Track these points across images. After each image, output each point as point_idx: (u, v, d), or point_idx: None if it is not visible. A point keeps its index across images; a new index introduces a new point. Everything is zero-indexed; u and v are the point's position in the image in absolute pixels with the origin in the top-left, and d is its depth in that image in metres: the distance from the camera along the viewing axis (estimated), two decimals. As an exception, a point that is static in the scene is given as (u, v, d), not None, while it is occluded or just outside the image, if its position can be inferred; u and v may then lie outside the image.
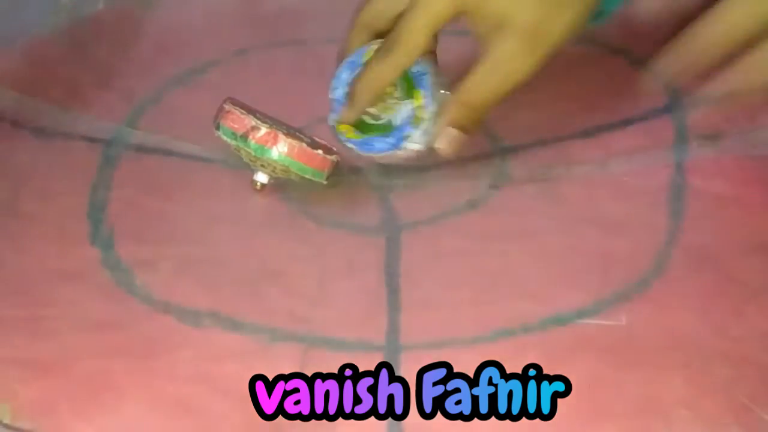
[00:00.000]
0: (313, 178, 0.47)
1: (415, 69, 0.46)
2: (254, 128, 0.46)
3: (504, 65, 0.44)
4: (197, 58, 0.58)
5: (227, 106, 0.47)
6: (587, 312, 0.41)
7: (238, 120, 0.46)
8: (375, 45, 0.47)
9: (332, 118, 0.48)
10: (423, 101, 0.46)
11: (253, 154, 0.46)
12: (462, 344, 0.40)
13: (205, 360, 0.40)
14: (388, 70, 0.45)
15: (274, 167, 0.47)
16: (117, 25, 0.61)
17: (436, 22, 0.44)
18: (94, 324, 0.42)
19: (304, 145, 0.46)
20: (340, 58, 0.48)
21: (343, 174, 0.49)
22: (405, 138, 0.46)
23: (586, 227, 0.46)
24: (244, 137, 0.46)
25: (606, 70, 0.55)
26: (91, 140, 0.52)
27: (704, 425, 0.37)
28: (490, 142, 0.51)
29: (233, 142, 0.46)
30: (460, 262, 0.45)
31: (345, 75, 0.48)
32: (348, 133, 0.47)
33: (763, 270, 0.43)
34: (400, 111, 0.46)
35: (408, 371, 0.38)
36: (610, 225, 0.46)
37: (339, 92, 0.48)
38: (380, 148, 0.46)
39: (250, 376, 0.38)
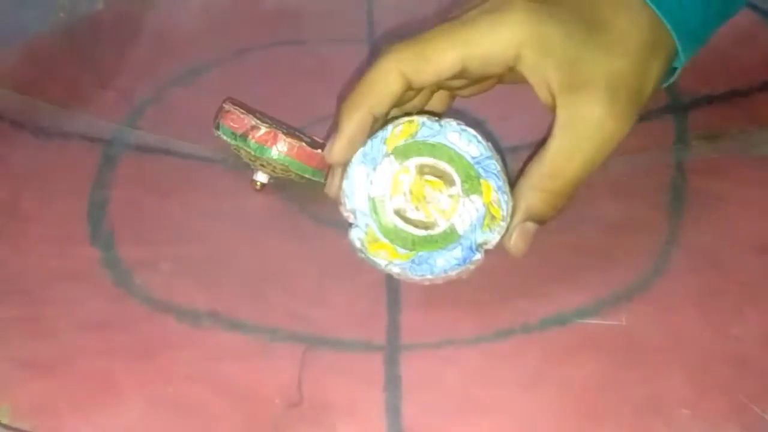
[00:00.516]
0: (312, 178, 0.47)
1: (476, 154, 0.36)
2: (254, 128, 0.46)
3: (592, 136, 0.35)
4: (197, 58, 0.58)
5: (227, 106, 0.47)
6: (587, 312, 0.41)
7: (237, 120, 0.46)
8: (400, 123, 0.36)
9: (355, 234, 0.36)
10: (495, 194, 0.35)
11: (252, 153, 0.46)
12: (462, 344, 0.40)
13: (205, 360, 0.40)
14: (343, 114, 0.36)
15: (274, 167, 0.47)
16: (116, 25, 0.61)
17: (422, 63, 0.35)
18: (93, 324, 0.42)
19: (304, 144, 0.46)
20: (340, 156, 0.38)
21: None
22: (479, 247, 0.36)
23: (586, 227, 0.46)
24: (244, 137, 0.46)
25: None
26: (91, 140, 0.52)
27: (705, 425, 0.37)
28: (490, 142, 0.51)
29: (233, 142, 0.46)
30: (460, 262, 0.45)
31: (361, 173, 0.36)
32: (389, 254, 0.36)
33: (763, 270, 0.43)
34: (463, 212, 0.35)
35: (408, 371, 0.38)
36: (610, 225, 0.46)
37: (359, 198, 0.35)
38: (444, 267, 0.36)
39: (250, 376, 0.38)
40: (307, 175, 0.46)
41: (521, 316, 0.41)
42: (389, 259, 0.36)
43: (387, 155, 0.35)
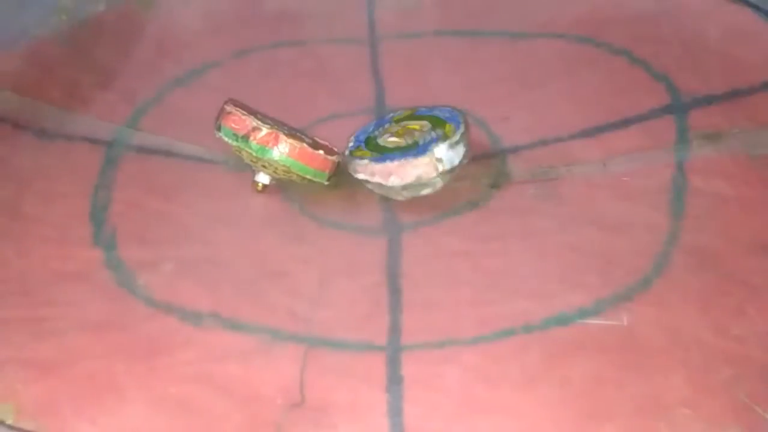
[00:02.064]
0: (314, 179, 0.47)
1: (447, 115, 0.48)
2: (255, 129, 0.46)
3: None
4: (198, 59, 0.58)
5: (228, 108, 0.47)
6: (588, 312, 0.41)
7: (239, 121, 0.46)
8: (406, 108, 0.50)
9: (351, 145, 0.49)
10: (452, 127, 0.47)
11: (254, 154, 0.46)
12: (463, 344, 0.40)
13: (207, 360, 0.40)
14: None
15: (276, 168, 0.47)
16: (118, 26, 0.61)
17: None
18: (96, 324, 0.42)
19: (306, 145, 0.46)
20: None
21: (344, 175, 0.49)
22: (428, 149, 0.46)
23: (586, 227, 0.46)
24: (246, 138, 0.46)
25: (606, 70, 0.55)
26: (93, 141, 0.52)
27: (705, 425, 0.37)
28: (490, 142, 0.51)
29: (234, 143, 0.47)
30: (461, 262, 0.45)
31: (372, 125, 0.50)
32: (364, 155, 0.48)
33: (764, 269, 0.43)
34: (426, 135, 0.47)
35: (410, 371, 0.38)
36: (610, 225, 0.46)
37: (363, 136, 0.49)
38: (396, 158, 0.46)
39: (252, 377, 0.38)
40: (308, 176, 0.46)
41: (522, 317, 0.41)
42: (363, 156, 0.47)
43: (390, 121, 0.49)
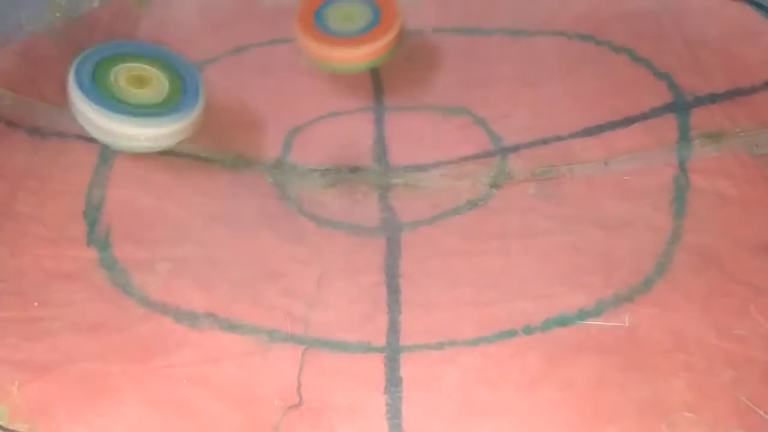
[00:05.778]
0: None
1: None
2: None
3: None
4: (193, 55, 0.58)
5: None
6: (589, 312, 0.41)
7: None
8: None
9: None
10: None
11: None
12: (463, 345, 0.40)
13: (204, 361, 0.40)
14: None
15: None
16: (113, 22, 0.61)
17: None
18: (90, 325, 0.42)
19: None
20: None
21: (343, 173, 0.48)
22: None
23: (587, 227, 0.45)
24: None
25: (608, 68, 0.54)
26: (87, 139, 0.52)
27: (707, 427, 0.37)
28: (490, 140, 0.51)
29: None
30: (461, 262, 0.44)
31: None
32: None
33: (767, 270, 0.43)
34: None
35: (408, 372, 0.38)
36: (611, 224, 0.45)
37: None
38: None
39: (249, 378, 0.38)
40: None
41: (522, 317, 0.41)
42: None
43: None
